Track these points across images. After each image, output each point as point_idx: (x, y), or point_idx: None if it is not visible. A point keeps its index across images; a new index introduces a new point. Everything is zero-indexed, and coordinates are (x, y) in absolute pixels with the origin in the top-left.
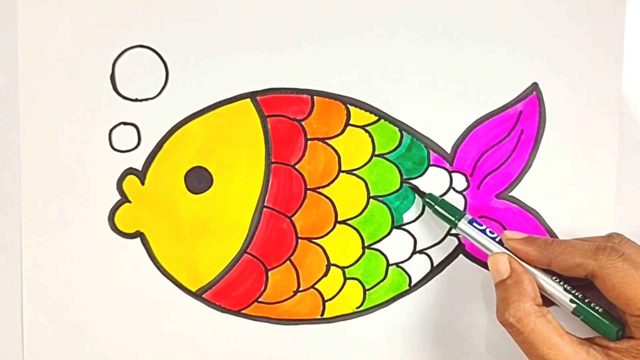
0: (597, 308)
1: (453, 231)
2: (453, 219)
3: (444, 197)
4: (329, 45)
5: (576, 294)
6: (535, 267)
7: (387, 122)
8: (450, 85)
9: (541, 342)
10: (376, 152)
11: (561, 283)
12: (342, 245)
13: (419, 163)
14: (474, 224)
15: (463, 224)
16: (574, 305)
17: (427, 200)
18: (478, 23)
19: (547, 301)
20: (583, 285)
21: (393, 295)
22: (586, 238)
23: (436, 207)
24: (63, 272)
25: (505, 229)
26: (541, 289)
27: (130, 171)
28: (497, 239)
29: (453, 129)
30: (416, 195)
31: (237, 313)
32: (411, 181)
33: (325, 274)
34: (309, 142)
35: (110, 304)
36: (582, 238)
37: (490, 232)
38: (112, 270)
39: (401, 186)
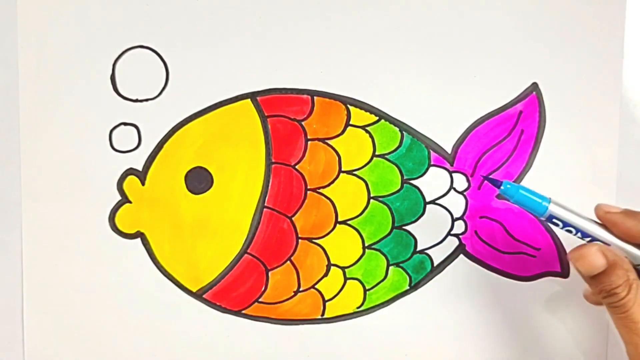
0: None
1: (454, 231)
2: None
3: (446, 196)
4: (329, 45)
5: None
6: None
7: (387, 123)
8: (450, 85)
9: None
10: (377, 153)
11: None
12: (342, 245)
13: (420, 163)
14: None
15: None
16: None
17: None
18: (478, 23)
19: None
20: None
21: (393, 295)
22: None
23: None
24: (63, 272)
25: (506, 229)
26: (635, 263)
27: (130, 171)
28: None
29: (453, 129)
30: (416, 196)
31: (238, 313)
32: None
33: (325, 274)
34: (309, 142)
35: (110, 304)
36: None
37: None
38: (112, 271)
39: (402, 186)
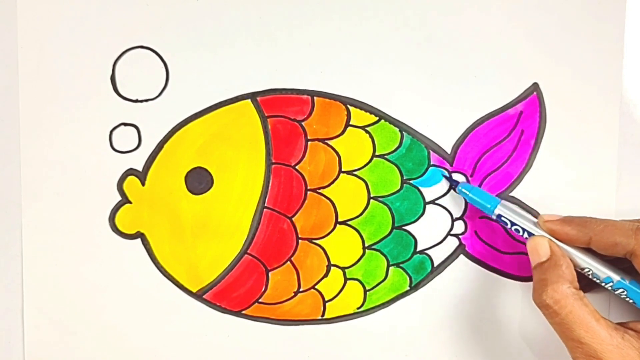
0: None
1: (454, 231)
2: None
3: (446, 196)
4: (329, 45)
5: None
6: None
7: (387, 123)
8: (450, 85)
9: (578, 325)
10: (376, 153)
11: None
12: (342, 245)
13: (420, 163)
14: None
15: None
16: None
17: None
18: (478, 23)
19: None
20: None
21: (394, 296)
22: (620, 221)
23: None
24: (63, 273)
25: (506, 229)
26: (580, 267)
27: (130, 172)
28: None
29: (453, 129)
30: (415, 195)
31: (238, 314)
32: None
33: (325, 275)
34: (309, 142)
35: (110, 305)
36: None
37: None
38: (112, 271)
39: (402, 187)
